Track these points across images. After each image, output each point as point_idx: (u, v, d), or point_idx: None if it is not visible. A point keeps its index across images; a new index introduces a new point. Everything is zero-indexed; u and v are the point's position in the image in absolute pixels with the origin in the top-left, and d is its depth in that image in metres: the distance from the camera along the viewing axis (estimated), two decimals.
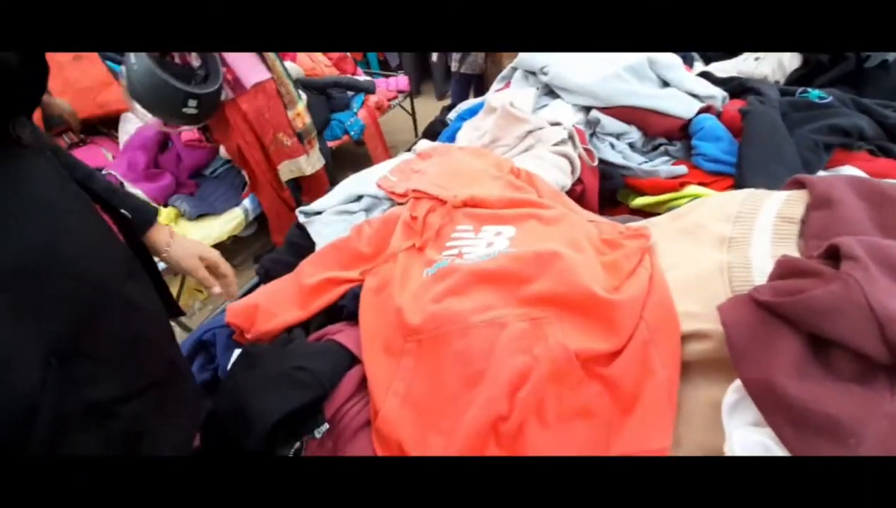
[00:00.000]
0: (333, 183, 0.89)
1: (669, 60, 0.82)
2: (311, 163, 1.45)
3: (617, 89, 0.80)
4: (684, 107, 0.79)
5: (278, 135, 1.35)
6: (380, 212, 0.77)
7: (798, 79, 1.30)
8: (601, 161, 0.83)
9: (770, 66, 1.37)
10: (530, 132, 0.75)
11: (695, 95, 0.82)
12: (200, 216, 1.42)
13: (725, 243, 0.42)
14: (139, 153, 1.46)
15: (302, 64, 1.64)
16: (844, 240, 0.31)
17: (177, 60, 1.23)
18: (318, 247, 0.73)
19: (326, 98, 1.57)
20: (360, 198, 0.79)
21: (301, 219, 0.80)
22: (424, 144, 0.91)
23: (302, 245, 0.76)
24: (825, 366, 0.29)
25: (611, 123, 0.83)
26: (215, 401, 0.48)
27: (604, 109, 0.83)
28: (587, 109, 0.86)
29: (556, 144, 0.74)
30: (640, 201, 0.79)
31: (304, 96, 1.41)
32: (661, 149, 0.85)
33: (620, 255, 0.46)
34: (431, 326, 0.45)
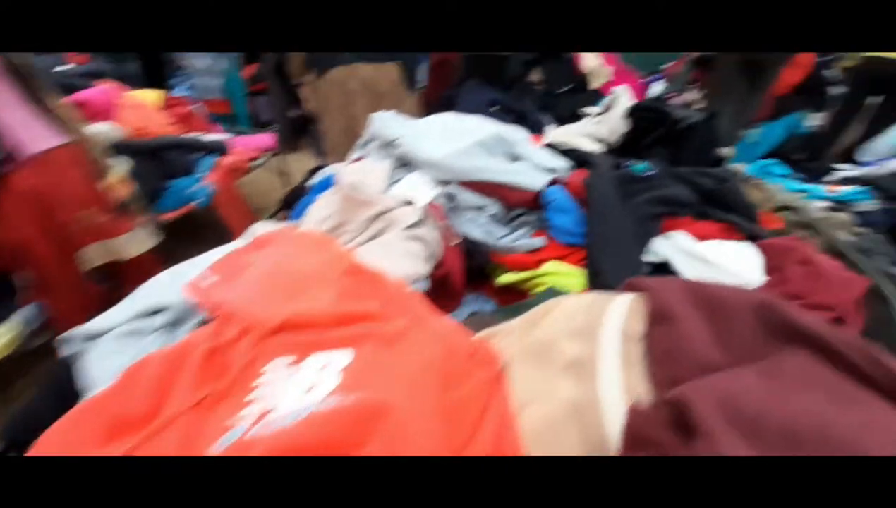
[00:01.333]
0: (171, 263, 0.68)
1: (517, 136, 0.82)
2: (134, 242, 1.17)
3: (470, 165, 0.77)
4: (535, 180, 0.79)
5: (82, 214, 1.06)
6: (188, 331, 0.59)
7: (630, 140, 1.49)
8: (463, 237, 0.78)
9: (606, 129, 1.54)
10: (379, 215, 0.66)
11: (543, 168, 0.83)
12: None
13: (574, 370, 0.36)
14: None
15: (126, 123, 1.37)
16: (691, 399, 0.25)
17: None
18: (84, 396, 0.52)
19: (160, 162, 1.32)
20: (156, 312, 0.60)
21: (66, 349, 0.57)
22: (261, 227, 0.76)
23: (69, 390, 0.54)
24: None
25: (469, 198, 0.79)
26: None
27: (460, 184, 0.79)
28: (445, 182, 0.81)
29: (408, 227, 0.66)
30: (504, 279, 0.75)
31: (124, 162, 1.15)
32: (521, 219, 0.84)
33: (467, 393, 0.37)
34: None
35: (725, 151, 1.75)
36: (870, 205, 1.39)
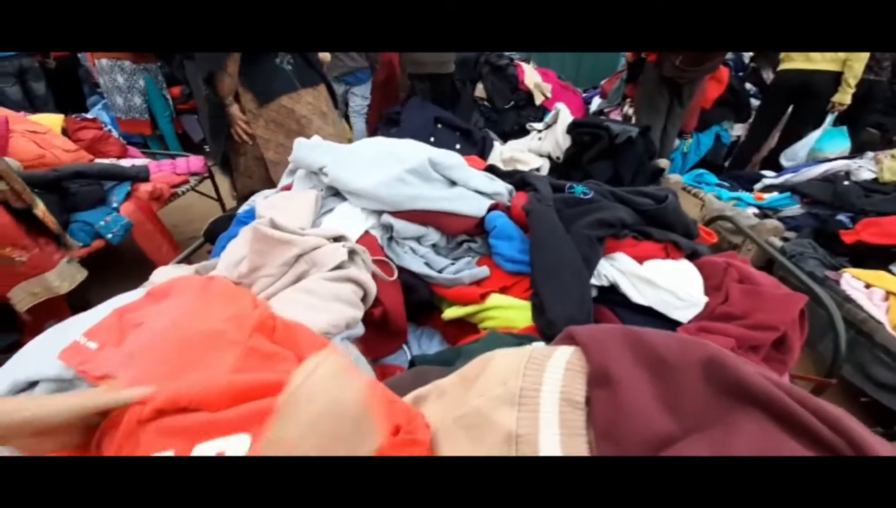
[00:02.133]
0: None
1: (451, 161, 0.78)
2: (64, 276, 1.01)
3: (403, 194, 0.72)
4: (474, 206, 0.75)
5: (2, 253, 0.90)
6: None
7: (572, 155, 1.51)
8: (403, 270, 0.72)
9: (550, 144, 1.55)
10: (300, 256, 0.59)
11: (482, 193, 0.79)
12: None
13: (512, 444, 0.31)
14: None
15: (22, 154, 1.18)
16: None
17: None
18: None
19: (63, 194, 1.14)
20: (33, 384, 0.49)
21: None
22: (161, 274, 0.66)
23: None
24: None
25: (406, 227, 0.74)
26: None
27: (394, 213, 0.73)
28: (379, 212, 0.75)
29: (334, 268, 0.59)
30: (450, 314, 0.70)
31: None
32: (465, 246, 0.80)
33: None
34: None
35: (662, 162, 1.83)
36: (794, 209, 1.48)
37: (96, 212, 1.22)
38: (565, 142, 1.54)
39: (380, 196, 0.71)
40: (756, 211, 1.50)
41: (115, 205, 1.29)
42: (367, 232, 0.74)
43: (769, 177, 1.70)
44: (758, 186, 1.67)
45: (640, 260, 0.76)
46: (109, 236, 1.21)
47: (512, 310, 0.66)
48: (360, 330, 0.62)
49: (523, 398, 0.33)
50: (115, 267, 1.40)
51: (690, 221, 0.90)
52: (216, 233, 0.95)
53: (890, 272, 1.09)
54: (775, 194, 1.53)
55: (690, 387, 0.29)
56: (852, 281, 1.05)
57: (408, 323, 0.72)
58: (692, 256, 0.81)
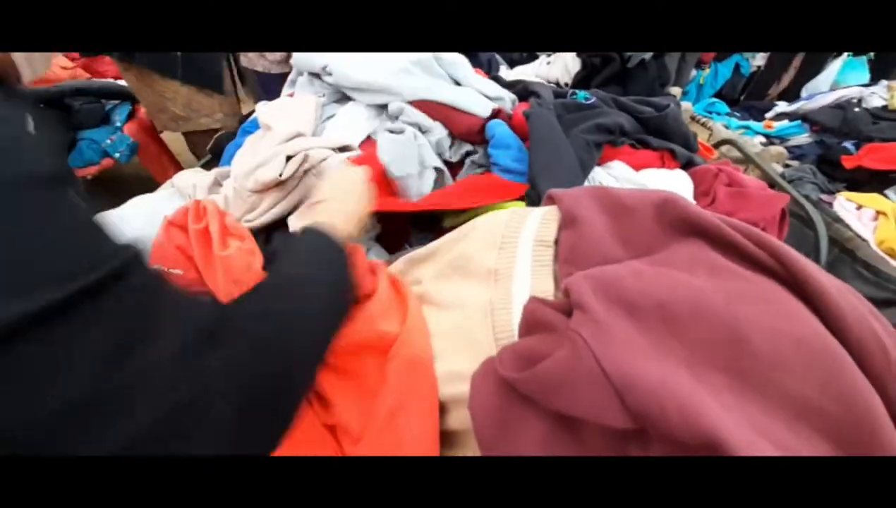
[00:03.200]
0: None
1: (455, 58, 0.78)
2: None
3: (409, 84, 0.73)
4: (480, 106, 0.77)
5: None
6: None
7: (581, 80, 1.47)
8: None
9: (559, 69, 1.51)
10: (308, 170, 0.62)
11: (486, 96, 0.80)
12: None
13: (492, 276, 0.36)
14: None
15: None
16: (573, 281, 0.26)
17: None
18: None
19: (64, 112, 1.15)
20: None
21: None
22: (183, 177, 0.70)
23: None
24: (576, 443, 0.23)
25: (416, 114, 0.75)
26: None
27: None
28: (382, 109, 0.77)
29: None
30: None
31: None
32: (468, 161, 0.82)
33: None
34: None
35: (674, 90, 1.77)
36: (802, 138, 1.46)
37: (101, 131, 1.24)
38: (574, 66, 1.49)
39: (388, 85, 0.72)
40: (763, 139, 1.48)
41: (118, 124, 1.31)
42: (369, 137, 0.76)
43: (782, 106, 1.65)
44: (769, 114, 1.63)
45: (637, 168, 0.78)
46: (117, 155, 1.25)
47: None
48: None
49: (504, 242, 0.38)
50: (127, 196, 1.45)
51: (690, 133, 0.91)
52: (222, 148, 0.98)
53: (884, 196, 1.10)
54: (785, 122, 1.50)
55: (642, 223, 0.34)
56: (845, 202, 1.07)
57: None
58: (688, 166, 0.83)
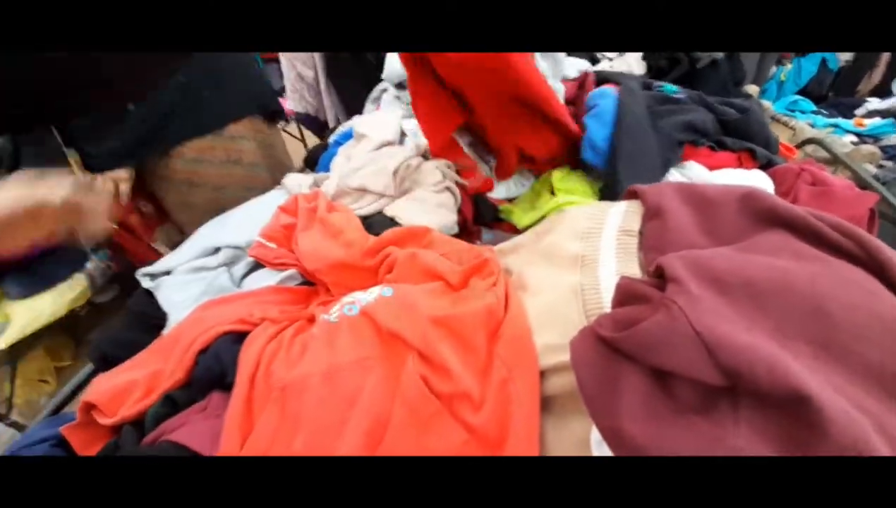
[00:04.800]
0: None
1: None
2: None
3: None
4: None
5: None
6: (245, 266, 0.68)
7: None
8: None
9: (621, 69, 1.51)
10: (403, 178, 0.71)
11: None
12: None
13: (578, 262, 0.41)
14: None
15: None
16: (667, 260, 0.30)
17: None
18: (169, 319, 0.61)
19: None
20: (217, 250, 0.69)
21: (146, 283, 0.67)
22: (293, 178, 0.83)
23: (151, 315, 0.63)
24: (671, 399, 0.28)
25: None
26: None
27: None
28: None
29: (436, 183, 0.71)
30: (525, 221, 0.79)
31: None
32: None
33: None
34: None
35: (750, 89, 1.69)
36: None
37: None
38: (639, 68, 1.48)
39: None
40: (854, 138, 1.37)
41: None
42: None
43: (873, 103, 1.51)
44: (859, 111, 1.50)
45: (713, 169, 0.78)
46: None
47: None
48: (455, 229, 0.74)
49: (588, 233, 0.43)
50: None
51: (772, 135, 0.89)
52: (316, 158, 1.10)
53: None
54: (877, 120, 1.38)
55: (726, 216, 0.37)
56: None
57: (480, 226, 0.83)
58: (767, 167, 0.81)
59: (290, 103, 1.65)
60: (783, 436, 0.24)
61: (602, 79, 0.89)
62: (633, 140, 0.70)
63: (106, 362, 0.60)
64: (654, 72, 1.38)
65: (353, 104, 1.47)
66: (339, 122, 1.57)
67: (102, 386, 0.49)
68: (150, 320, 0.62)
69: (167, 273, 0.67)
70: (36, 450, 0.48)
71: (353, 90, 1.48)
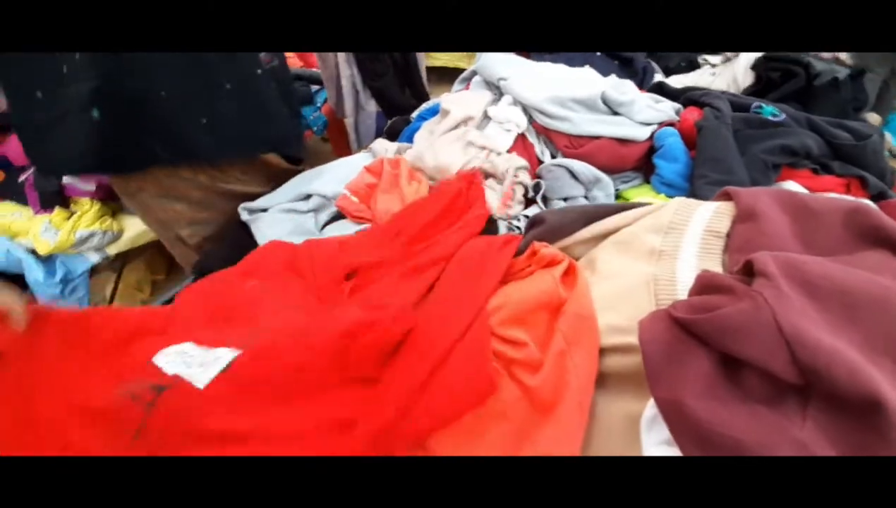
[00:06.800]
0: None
1: (624, 98, 0.80)
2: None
3: (563, 114, 0.79)
4: (641, 133, 0.78)
5: None
6: (328, 215, 0.74)
7: (751, 95, 1.35)
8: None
9: (725, 82, 1.41)
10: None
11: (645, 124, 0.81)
12: None
13: (655, 255, 0.42)
14: None
15: None
16: (759, 256, 0.30)
17: None
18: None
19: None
20: (308, 197, 0.76)
21: (244, 216, 0.76)
22: (379, 143, 0.88)
23: (245, 245, 0.72)
24: (736, 386, 0.28)
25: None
26: None
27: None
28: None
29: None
30: None
31: None
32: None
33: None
34: None
35: (871, 118, 1.51)
36: None
37: (308, 109, 1.57)
38: (746, 79, 1.38)
39: (545, 109, 0.79)
40: None
41: (318, 105, 1.63)
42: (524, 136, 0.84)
43: None
44: None
45: (814, 192, 0.73)
46: (315, 129, 1.57)
47: None
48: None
49: (671, 228, 0.43)
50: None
51: (889, 168, 0.81)
52: (392, 133, 1.15)
53: None
54: None
55: (828, 228, 0.36)
56: None
57: None
58: (879, 198, 0.74)
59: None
60: (849, 440, 0.25)
61: (689, 100, 0.86)
62: (713, 169, 0.68)
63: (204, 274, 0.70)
64: (765, 84, 1.27)
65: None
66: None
67: None
68: (245, 249, 0.71)
69: (264, 210, 0.75)
70: None
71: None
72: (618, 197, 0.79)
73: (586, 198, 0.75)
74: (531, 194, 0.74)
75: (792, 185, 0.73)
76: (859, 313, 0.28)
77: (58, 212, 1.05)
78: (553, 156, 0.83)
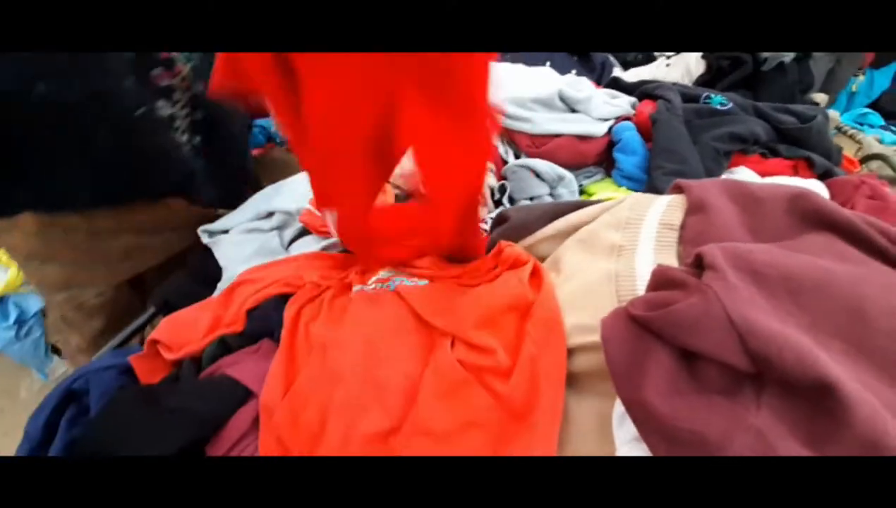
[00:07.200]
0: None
1: (581, 95, 0.82)
2: None
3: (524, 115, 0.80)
4: (600, 129, 0.80)
5: None
6: (293, 231, 0.72)
7: (704, 84, 1.40)
8: None
9: (679, 72, 1.46)
10: None
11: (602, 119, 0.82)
12: None
13: (616, 251, 0.42)
14: None
15: None
16: (707, 249, 0.31)
17: None
18: (225, 273, 0.67)
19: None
20: (270, 214, 0.74)
21: (205, 239, 0.73)
22: None
23: (208, 270, 0.69)
24: (695, 380, 0.29)
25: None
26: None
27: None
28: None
29: None
30: None
31: None
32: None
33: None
34: None
35: (818, 97, 1.59)
36: None
37: (268, 120, 1.54)
38: (698, 68, 1.43)
39: (506, 111, 0.80)
40: None
41: None
42: None
43: None
44: None
45: (764, 176, 0.76)
46: (278, 140, 1.53)
47: None
48: None
49: (629, 223, 0.44)
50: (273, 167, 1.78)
51: (834, 147, 0.85)
52: None
53: None
54: None
55: (773, 215, 0.37)
56: None
57: None
58: (826, 176, 0.78)
59: None
60: (804, 423, 0.25)
61: (644, 94, 0.88)
62: (668, 160, 0.71)
63: (167, 308, 0.67)
64: (715, 72, 1.32)
65: None
66: None
67: (167, 326, 0.55)
68: (208, 274, 0.69)
69: (225, 232, 0.73)
70: (104, 376, 0.55)
71: None
72: (582, 192, 0.81)
73: (552, 196, 0.76)
74: (497, 196, 0.75)
75: (744, 171, 0.76)
76: (804, 297, 0.29)
77: (3, 250, 0.99)
78: (517, 157, 0.83)
